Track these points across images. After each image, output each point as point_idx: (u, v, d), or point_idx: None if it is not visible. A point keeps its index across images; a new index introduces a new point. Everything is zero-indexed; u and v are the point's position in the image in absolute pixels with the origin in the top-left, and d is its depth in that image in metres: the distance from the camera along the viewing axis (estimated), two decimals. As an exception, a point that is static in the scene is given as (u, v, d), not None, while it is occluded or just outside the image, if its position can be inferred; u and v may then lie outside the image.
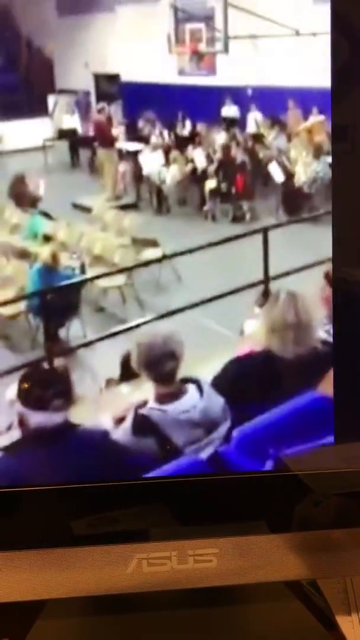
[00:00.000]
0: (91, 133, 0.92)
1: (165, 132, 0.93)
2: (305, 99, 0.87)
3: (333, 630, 0.92)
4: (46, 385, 0.83)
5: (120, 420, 0.82)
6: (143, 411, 0.82)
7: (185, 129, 0.94)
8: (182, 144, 0.95)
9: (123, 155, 0.94)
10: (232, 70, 0.89)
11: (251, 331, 0.86)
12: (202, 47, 0.90)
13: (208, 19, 0.85)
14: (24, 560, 0.81)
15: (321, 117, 0.87)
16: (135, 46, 0.86)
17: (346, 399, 0.83)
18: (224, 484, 0.82)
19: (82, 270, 0.91)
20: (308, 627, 0.92)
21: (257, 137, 0.94)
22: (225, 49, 0.87)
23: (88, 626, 0.92)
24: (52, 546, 0.81)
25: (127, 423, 0.81)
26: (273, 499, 0.83)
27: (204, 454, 0.82)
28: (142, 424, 0.82)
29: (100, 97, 0.93)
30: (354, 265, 0.81)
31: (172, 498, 0.83)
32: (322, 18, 0.79)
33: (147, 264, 0.93)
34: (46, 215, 0.90)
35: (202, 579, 0.83)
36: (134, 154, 0.95)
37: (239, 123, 0.92)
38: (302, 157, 0.91)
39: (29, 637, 0.89)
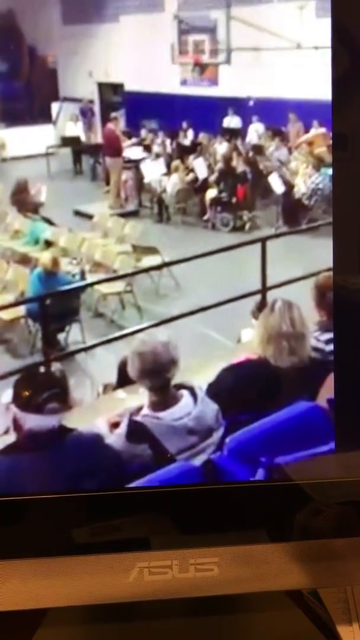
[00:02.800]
0: (94, 141, 0.93)
1: (168, 142, 0.94)
2: (307, 111, 0.87)
3: (334, 640, 0.93)
4: (44, 389, 0.83)
5: (115, 426, 0.83)
6: (137, 418, 0.82)
7: (187, 139, 0.95)
8: (183, 153, 0.96)
9: (126, 163, 0.95)
10: (235, 81, 0.90)
11: (248, 339, 0.87)
12: (205, 58, 0.91)
13: (211, 30, 0.86)
14: (26, 569, 0.80)
15: (322, 130, 0.88)
16: (138, 56, 0.87)
17: (347, 405, 0.83)
18: (225, 493, 0.82)
19: (82, 276, 0.92)
20: (309, 637, 0.91)
21: (258, 149, 0.94)
22: (228, 61, 0.88)
23: (89, 635, 0.92)
24: (54, 555, 0.81)
25: (122, 429, 0.82)
26: (274, 508, 0.83)
27: (198, 462, 0.83)
28: (136, 431, 0.82)
29: (104, 105, 0.94)
30: (355, 272, 0.82)
31: (173, 507, 0.83)
32: (323, 32, 0.79)
33: (146, 270, 0.94)
34: (48, 221, 0.91)
35: (203, 588, 0.82)
36: (136, 163, 0.96)
37: (240, 134, 0.93)
38: (303, 169, 0.92)
39: (30, 646, 0.90)
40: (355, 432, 0.84)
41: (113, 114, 0.92)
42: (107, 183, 0.95)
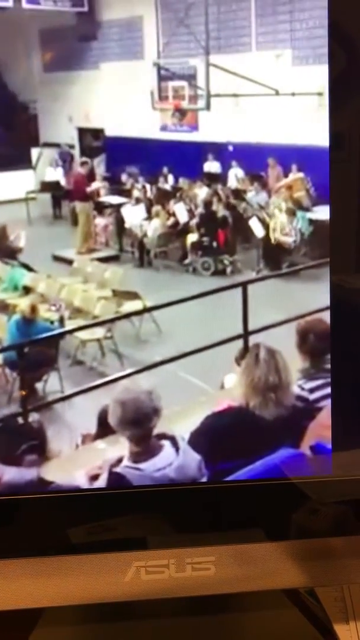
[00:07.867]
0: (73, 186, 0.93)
1: (148, 186, 0.94)
2: (285, 156, 0.88)
3: (331, 639, 0.91)
4: (21, 441, 0.81)
5: (94, 478, 0.81)
6: (117, 469, 0.81)
7: (168, 184, 0.95)
8: (164, 198, 0.96)
9: (105, 208, 0.95)
10: (214, 127, 0.90)
11: (230, 386, 0.86)
12: (185, 104, 0.91)
13: (190, 77, 0.87)
14: (22, 568, 0.80)
15: (300, 174, 0.88)
16: (119, 102, 0.87)
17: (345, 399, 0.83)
18: (221, 492, 0.82)
19: (61, 322, 0.91)
20: (306, 636, 0.91)
21: (238, 193, 0.95)
22: (207, 107, 0.88)
23: (86, 634, 0.91)
24: (50, 554, 0.80)
25: (102, 482, 0.80)
26: (271, 507, 0.83)
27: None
28: (116, 483, 0.80)
29: (84, 151, 0.94)
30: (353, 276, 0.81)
31: (170, 506, 0.82)
32: (300, 79, 0.80)
33: (127, 316, 0.93)
34: (26, 267, 0.90)
35: (200, 587, 0.82)
36: (117, 207, 0.95)
37: (220, 178, 0.93)
38: (282, 213, 0.92)
39: (26, 645, 0.88)
40: (353, 429, 0.84)
41: (83, 159, 0.92)
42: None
